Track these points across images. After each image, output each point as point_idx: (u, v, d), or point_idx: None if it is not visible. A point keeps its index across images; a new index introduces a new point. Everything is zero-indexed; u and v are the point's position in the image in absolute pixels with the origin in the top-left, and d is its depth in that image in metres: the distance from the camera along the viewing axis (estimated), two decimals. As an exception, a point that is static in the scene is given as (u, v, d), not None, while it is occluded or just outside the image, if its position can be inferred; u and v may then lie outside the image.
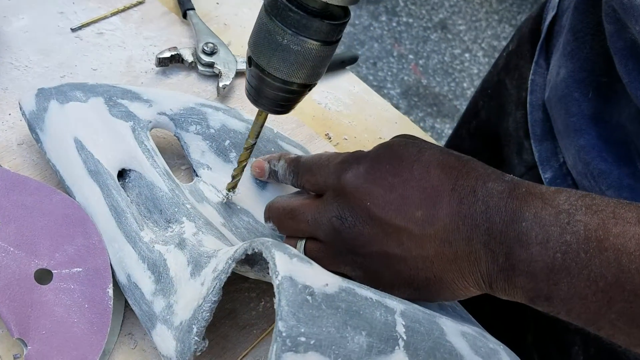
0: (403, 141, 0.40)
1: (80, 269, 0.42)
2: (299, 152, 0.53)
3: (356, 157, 0.40)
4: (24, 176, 0.45)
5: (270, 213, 0.44)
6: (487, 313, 0.48)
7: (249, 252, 0.34)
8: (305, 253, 0.41)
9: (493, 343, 0.39)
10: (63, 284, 0.41)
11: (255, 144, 0.46)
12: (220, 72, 0.58)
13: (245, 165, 0.47)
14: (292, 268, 0.31)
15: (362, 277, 0.39)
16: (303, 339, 0.30)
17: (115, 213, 0.44)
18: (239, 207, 0.49)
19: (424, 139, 0.41)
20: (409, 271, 0.38)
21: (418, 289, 0.39)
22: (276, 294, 0.30)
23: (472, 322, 0.44)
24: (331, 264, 0.40)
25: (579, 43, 0.48)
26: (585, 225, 0.32)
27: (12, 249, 0.41)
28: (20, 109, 0.48)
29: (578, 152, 0.47)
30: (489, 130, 0.63)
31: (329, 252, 0.40)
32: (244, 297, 0.46)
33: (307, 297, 0.31)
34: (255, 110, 0.44)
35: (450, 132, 1.68)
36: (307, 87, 0.41)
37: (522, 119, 0.56)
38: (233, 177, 0.47)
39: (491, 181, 0.36)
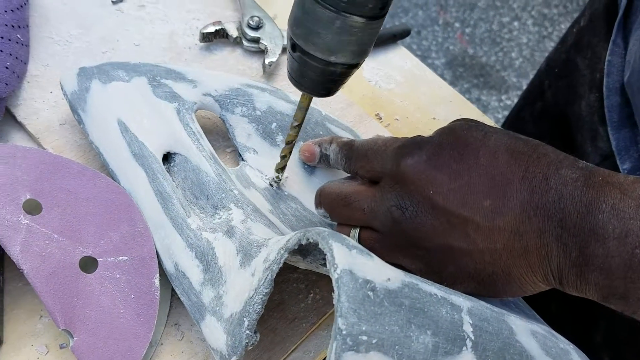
0: (466, 125, 0.37)
1: (126, 258, 0.40)
2: (349, 136, 0.50)
3: (416, 142, 0.37)
4: (67, 159, 0.43)
5: (322, 199, 0.42)
6: (553, 310, 0.45)
7: (303, 242, 0.32)
8: (359, 243, 0.39)
9: (563, 343, 0.36)
10: (108, 273, 0.40)
11: (301, 127, 0.43)
12: (266, 48, 0.55)
13: (293, 146, 0.44)
14: (351, 261, 0.29)
15: (423, 271, 0.37)
16: (365, 337, 0.27)
17: (161, 198, 0.42)
18: (286, 193, 0.47)
19: (485, 123, 0.38)
20: (475, 265, 0.35)
21: (483, 284, 0.36)
22: (335, 288, 0.28)
23: (538, 320, 0.42)
24: (388, 256, 0.37)
25: None
26: None
27: (56, 236, 0.40)
28: (62, 89, 0.46)
29: None
30: (556, 113, 0.59)
31: (386, 243, 0.37)
32: (292, 288, 0.44)
33: (369, 292, 0.28)
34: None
35: (496, 104, 1.62)
36: (352, 67, 0.38)
37: (596, 102, 0.52)
38: (281, 157, 0.45)
39: (564, 168, 0.33)
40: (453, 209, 0.34)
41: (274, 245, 0.35)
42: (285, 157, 0.45)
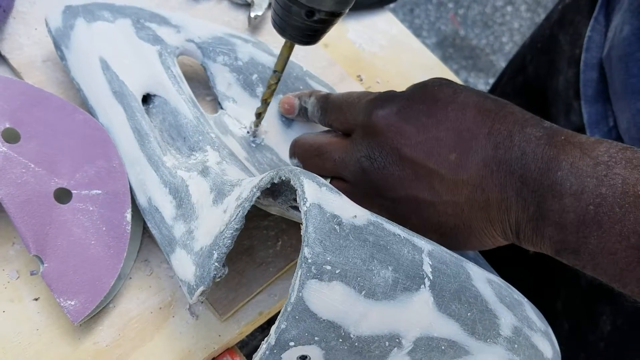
0: (438, 82, 0.38)
1: (100, 192, 0.41)
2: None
3: (388, 96, 0.38)
4: (48, 92, 0.44)
5: (296, 149, 0.43)
6: (517, 279, 0.47)
7: (276, 181, 0.33)
8: None
9: (517, 295, 0.38)
10: (82, 205, 0.41)
11: (281, 74, 0.44)
12: (252, 1, 0.56)
13: (274, 90, 0.45)
14: (321, 196, 0.30)
15: (388, 216, 0.38)
16: (329, 267, 0.28)
17: (138, 135, 0.43)
18: (263, 143, 0.48)
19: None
20: (438, 217, 0.37)
21: (445, 236, 0.37)
22: (303, 220, 0.29)
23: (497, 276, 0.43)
24: (362, 204, 0.38)
25: None
26: (624, 179, 0.31)
27: (32, 165, 0.40)
28: (47, 25, 0.46)
29: (633, 116, 0.44)
30: (536, 88, 0.60)
31: (354, 193, 0.39)
32: (262, 235, 0.46)
33: (335, 226, 0.29)
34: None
35: (484, 87, 1.63)
36: (334, 15, 0.38)
37: (573, 78, 0.53)
38: (262, 102, 0.46)
39: (529, 126, 0.35)
40: (420, 160, 0.36)
41: (248, 185, 0.36)
42: (265, 101, 0.46)
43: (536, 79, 0.61)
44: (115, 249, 0.40)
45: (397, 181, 0.37)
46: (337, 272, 0.29)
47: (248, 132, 0.47)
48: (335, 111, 0.41)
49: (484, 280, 0.35)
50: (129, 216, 0.41)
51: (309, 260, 0.28)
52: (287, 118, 0.49)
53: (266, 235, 0.46)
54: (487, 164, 0.35)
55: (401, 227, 0.33)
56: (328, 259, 0.28)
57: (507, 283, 0.38)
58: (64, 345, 0.39)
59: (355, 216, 0.31)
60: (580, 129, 0.52)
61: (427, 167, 0.36)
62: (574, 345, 0.52)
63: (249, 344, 0.86)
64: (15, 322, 0.39)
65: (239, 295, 0.43)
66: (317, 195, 0.30)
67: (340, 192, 0.32)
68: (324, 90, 0.51)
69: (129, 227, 0.41)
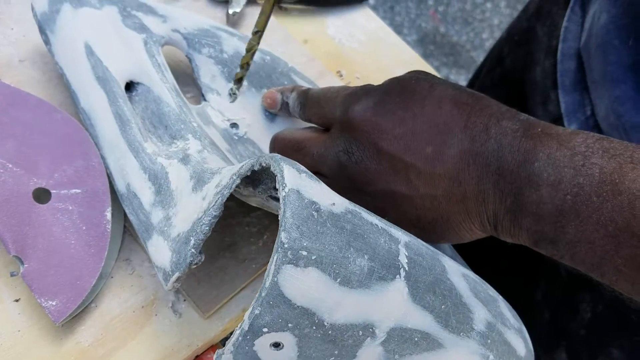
0: (415, 76, 0.38)
1: (79, 191, 0.41)
2: None
3: (365, 90, 0.38)
4: (25, 92, 0.43)
5: (275, 144, 0.43)
6: (496, 270, 0.48)
7: (256, 168, 0.33)
8: None
9: (492, 291, 0.38)
10: (61, 205, 0.40)
11: (262, 34, 0.44)
12: (232, -2, 0.55)
13: (254, 53, 0.45)
14: (300, 182, 0.30)
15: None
16: (305, 252, 0.28)
17: (119, 121, 0.42)
18: (245, 136, 0.48)
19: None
20: (416, 211, 0.37)
21: (424, 230, 0.38)
22: (282, 205, 0.29)
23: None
24: None
25: None
26: (601, 168, 0.31)
27: (10, 165, 0.40)
28: (32, 10, 0.45)
29: (612, 103, 0.45)
30: (513, 80, 0.61)
31: (333, 187, 0.39)
32: (244, 231, 0.46)
33: (313, 212, 0.29)
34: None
35: (465, 84, 1.64)
36: None
37: (550, 68, 0.54)
38: (240, 67, 0.46)
39: (505, 119, 0.35)
40: (396, 154, 0.36)
41: (227, 172, 0.36)
42: (244, 66, 0.46)
43: (513, 71, 0.62)
44: (96, 248, 0.40)
45: (374, 175, 0.37)
46: (313, 258, 0.28)
47: (229, 95, 0.48)
48: (314, 106, 0.41)
49: (459, 274, 0.35)
50: (109, 215, 0.41)
51: (285, 245, 0.28)
52: (271, 112, 0.49)
53: (249, 231, 0.46)
54: (463, 157, 0.35)
55: (379, 217, 0.34)
56: (304, 244, 0.28)
57: (482, 279, 0.39)
58: (46, 345, 0.39)
59: (334, 204, 0.31)
60: (558, 119, 0.52)
61: (403, 161, 0.36)
62: (554, 334, 0.53)
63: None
64: (-4, 323, 0.39)
65: (222, 293, 0.43)
66: (297, 181, 0.30)
67: (320, 180, 0.32)
68: (307, 86, 0.51)
69: (109, 226, 0.41)
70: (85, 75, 0.43)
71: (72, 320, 0.39)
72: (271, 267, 0.28)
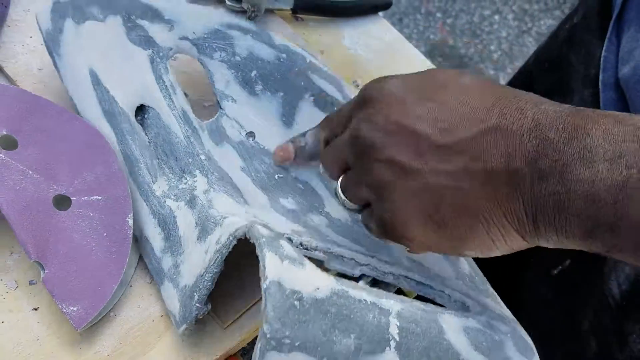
0: (441, 69, 0.37)
1: (100, 197, 0.41)
2: (333, 88, 0.50)
3: (385, 76, 0.36)
4: (45, 99, 0.43)
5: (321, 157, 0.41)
6: (544, 301, 0.46)
7: (248, 236, 0.35)
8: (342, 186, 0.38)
9: (500, 334, 0.38)
10: (81, 211, 0.40)
11: None
12: (249, 8, 0.55)
13: None
14: (281, 272, 0.32)
15: (376, 201, 0.35)
16: (287, 340, 0.30)
17: (128, 162, 0.43)
18: (261, 147, 0.47)
19: None
20: (429, 195, 0.33)
21: (443, 226, 0.33)
22: (263, 297, 0.31)
23: (488, 294, 0.42)
24: (357, 189, 0.36)
25: None
26: None
27: (30, 172, 0.40)
28: (37, 24, 0.45)
29: None
30: None
31: (354, 176, 0.36)
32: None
33: (295, 302, 0.31)
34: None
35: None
36: None
37: (590, 97, 0.53)
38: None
39: (545, 104, 0.31)
40: (408, 125, 0.33)
41: (226, 229, 0.38)
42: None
43: (546, 97, 0.61)
44: (118, 254, 0.40)
45: (383, 143, 0.33)
46: (296, 344, 0.30)
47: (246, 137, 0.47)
48: (335, 114, 0.41)
49: (459, 331, 0.36)
50: (130, 221, 0.41)
51: (268, 336, 0.30)
52: (286, 124, 0.48)
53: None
54: (488, 133, 0.31)
55: (370, 290, 0.34)
56: (287, 334, 0.30)
57: (490, 322, 0.38)
58: (64, 355, 0.38)
59: (318, 288, 0.32)
60: None
61: (415, 132, 0.32)
62: None
63: (250, 352, 0.85)
64: (15, 332, 0.38)
65: (241, 303, 0.42)
66: (278, 271, 0.31)
67: (306, 262, 0.33)
68: (327, 88, 0.49)
69: (130, 232, 0.40)
70: (93, 110, 0.43)
71: (90, 328, 0.39)
72: (256, 353, 0.30)
